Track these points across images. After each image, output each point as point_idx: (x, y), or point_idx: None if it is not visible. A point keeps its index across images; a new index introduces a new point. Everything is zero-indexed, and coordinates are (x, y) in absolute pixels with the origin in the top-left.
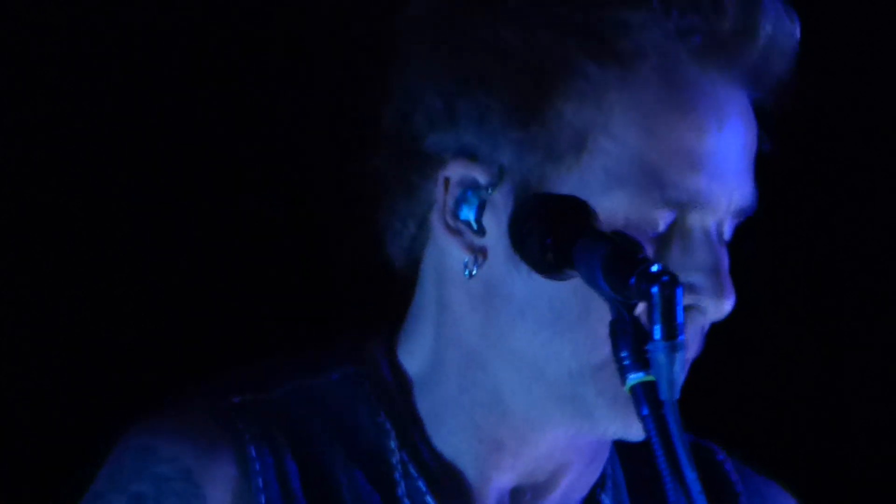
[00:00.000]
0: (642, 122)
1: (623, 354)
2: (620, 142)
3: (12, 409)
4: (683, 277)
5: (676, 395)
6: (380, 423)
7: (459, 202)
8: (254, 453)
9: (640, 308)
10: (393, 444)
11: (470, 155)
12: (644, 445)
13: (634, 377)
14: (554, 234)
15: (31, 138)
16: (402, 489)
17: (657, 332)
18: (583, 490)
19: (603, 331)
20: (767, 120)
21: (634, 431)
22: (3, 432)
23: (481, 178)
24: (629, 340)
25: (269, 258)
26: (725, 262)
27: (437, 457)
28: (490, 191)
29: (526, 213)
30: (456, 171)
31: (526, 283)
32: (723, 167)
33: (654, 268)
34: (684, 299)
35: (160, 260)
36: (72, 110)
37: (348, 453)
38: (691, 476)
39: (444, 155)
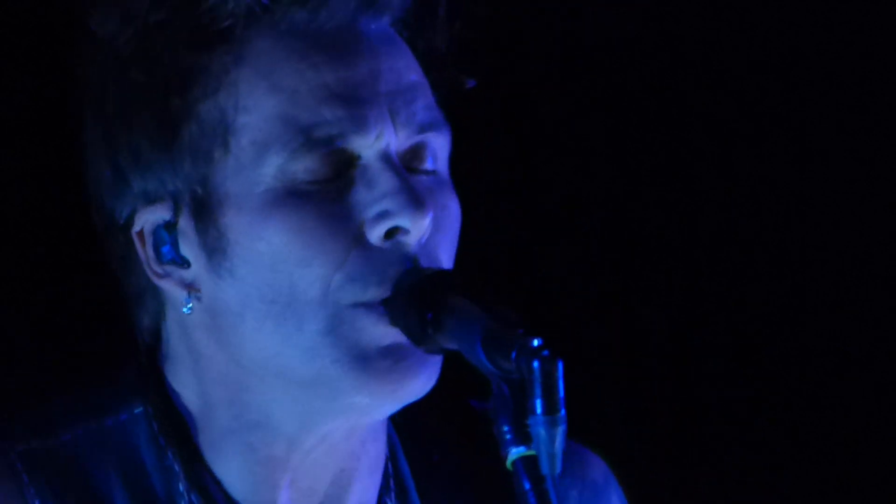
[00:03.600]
0: (266, 83)
1: (504, 429)
2: (254, 111)
3: None
4: (376, 209)
5: (558, 469)
6: (168, 466)
7: (159, 247)
8: (33, 492)
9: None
10: (182, 486)
11: (147, 200)
12: (433, 431)
13: (516, 451)
14: (433, 309)
15: None
16: None
17: (538, 407)
18: (370, 501)
19: (320, 299)
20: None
21: (388, 399)
22: None
23: (163, 214)
24: (510, 415)
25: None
26: (416, 181)
27: (223, 490)
28: (175, 220)
29: (402, 289)
30: (141, 220)
31: (233, 287)
32: (361, 91)
33: (535, 342)
34: (386, 224)
35: None
36: None
37: (138, 499)
38: None
39: (131, 215)
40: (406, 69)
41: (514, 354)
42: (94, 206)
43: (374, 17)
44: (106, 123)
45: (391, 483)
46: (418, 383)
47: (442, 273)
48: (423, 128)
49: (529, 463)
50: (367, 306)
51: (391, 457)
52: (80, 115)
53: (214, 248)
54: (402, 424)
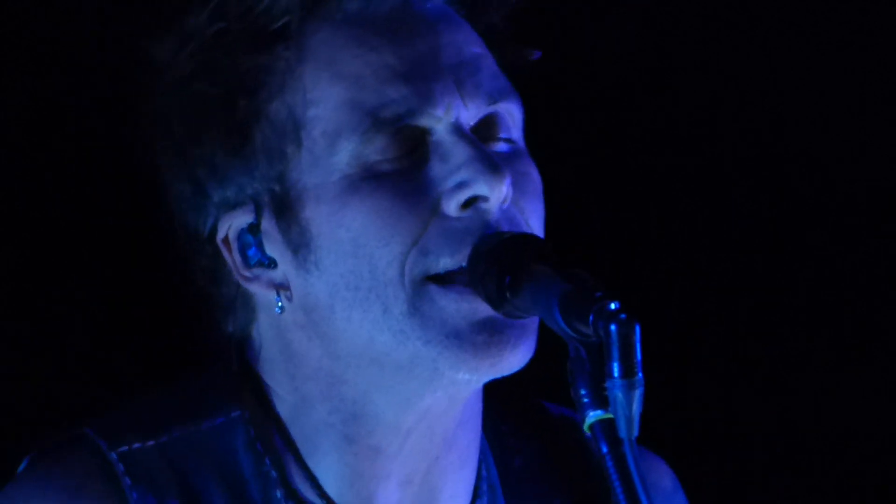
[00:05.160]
0: (329, 73)
1: (582, 392)
2: (321, 102)
3: None
4: (452, 181)
5: (635, 433)
6: (265, 472)
7: (245, 251)
8: (136, 496)
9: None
10: (279, 493)
11: (228, 207)
12: (514, 435)
13: (593, 415)
14: (512, 273)
15: None
16: None
17: (615, 370)
18: (464, 499)
19: (398, 279)
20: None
21: (488, 373)
22: None
23: (246, 217)
24: (587, 378)
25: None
26: (490, 149)
27: (322, 491)
28: (258, 222)
29: (481, 253)
30: (224, 226)
31: (320, 280)
32: (423, 67)
33: (613, 305)
34: (464, 193)
35: None
36: None
37: (236, 503)
38: None
39: (214, 224)
40: (466, 42)
41: (591, 318)
42: (177, 223)
43: None
44: (177, 142)
45: (483, 486)
46: (518, 355)
47: (521, 236)
48: (492, 97)
49: (607, 426)
50: (442, 282)
51: (482, 460)
52: (147, 139)
53: (299, 244)
54: (487, 427)
